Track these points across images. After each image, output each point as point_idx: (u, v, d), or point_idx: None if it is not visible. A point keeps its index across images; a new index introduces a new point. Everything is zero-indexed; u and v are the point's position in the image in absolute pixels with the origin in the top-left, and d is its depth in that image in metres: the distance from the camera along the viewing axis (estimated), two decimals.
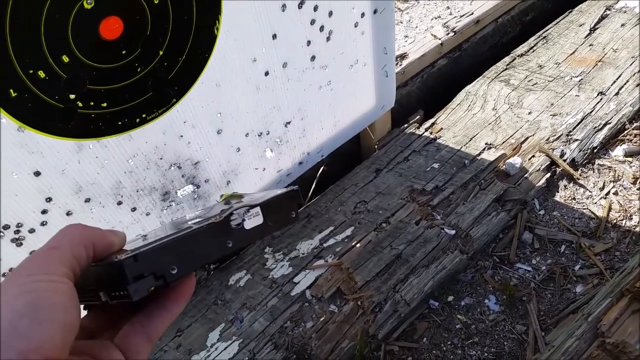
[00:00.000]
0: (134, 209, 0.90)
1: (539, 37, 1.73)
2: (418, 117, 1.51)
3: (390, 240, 1.18)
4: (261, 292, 1.13)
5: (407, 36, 1.72)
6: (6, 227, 0.73)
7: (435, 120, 1.48)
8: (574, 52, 1.67)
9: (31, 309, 0.29)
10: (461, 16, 1.64)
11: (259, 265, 1.19)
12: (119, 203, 0.87)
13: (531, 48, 1.70)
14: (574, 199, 1.33)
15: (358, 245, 1.19)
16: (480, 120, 1.47)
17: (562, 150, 1.38)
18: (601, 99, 1.50)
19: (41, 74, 0.64)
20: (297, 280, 1.14)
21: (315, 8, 0.94)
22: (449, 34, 1.59)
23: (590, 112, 1.46)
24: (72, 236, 0.35)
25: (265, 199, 0.43)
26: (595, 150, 1.40)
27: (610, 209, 1.28)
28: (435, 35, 1.59)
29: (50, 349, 0.29)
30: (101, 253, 0.36)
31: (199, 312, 1.12)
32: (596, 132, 1.41)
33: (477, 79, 1.60)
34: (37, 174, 0.72)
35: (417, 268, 1.13)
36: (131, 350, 0.37)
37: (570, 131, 1.42)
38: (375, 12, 1.08)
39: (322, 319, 1.08)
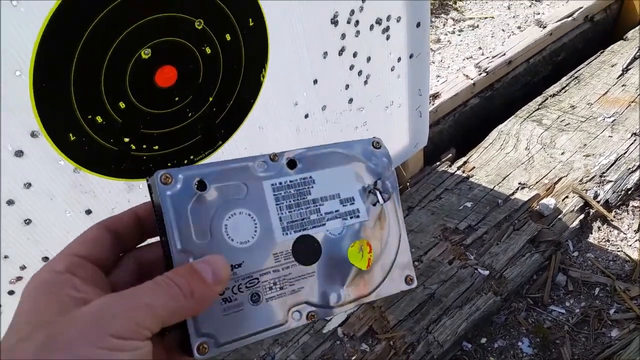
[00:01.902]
0: None
1: (570, 77, 1.74)
2: (450, 155, 1.52)
3: (423, 280, 1.18)
4: (293, 329, 1.14)
5: (439, 76, 1.75)
6: (45, 259, 0.76)
7: (468, 159, 1.49)
8: (606, 93, 1.67)
9: None
10: (493, 57, 1.66)
11: None
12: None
13: (563, 88, 1.71)
14: (608, 240, 1.32)
15: None
16: (513, 160, 1.47)
17: (596, 192, 1.37)
18: (635, 140, 1.49)
19: (99, 119, 0.68)
20: (328, 318, 1.15)
21: (355, 54, 0.97)
22: (481, 74, 1.61)
23: (624, 153, 1.46)
24: (173, 301, 0.32)
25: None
26: (629, 192, 1.39)
27: None
28: (467, 76, 1.61)
29: None
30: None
31: None
32: (630, 173, 1.41)
33: (509, 119, 1.61)
34: (89, 212, 0.76)
35: (450, 309, 1.13)
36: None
37: (604, 172, 1.42)
38: (411, 56, 1.11)
39: (353, 358, 1.08)
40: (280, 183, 0.41)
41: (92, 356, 0.27)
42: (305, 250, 0.40)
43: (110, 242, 0.36)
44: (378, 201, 0.43)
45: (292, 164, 0.42)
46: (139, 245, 0.39)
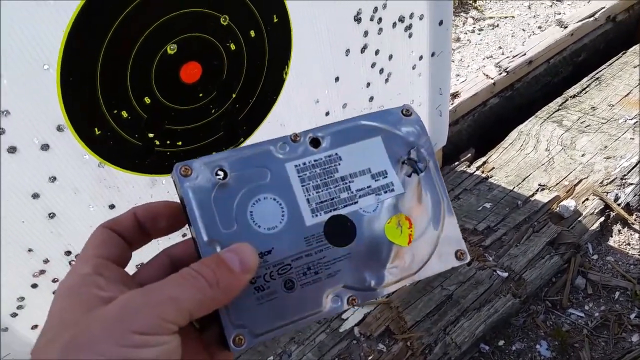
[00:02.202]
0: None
1: (591, 78, 1.72)
2: (469, 155, 1.51)
3: (441, 280, 1.18)
4: (309, 327, 1.14)
5: (458, 75, 1.74)
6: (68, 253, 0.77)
7: (487, 159, 1.48)
8: (628, 94, 1.65)
9: None
10: (514, 56, 1.64)
11: None
12: (184, 235, 0.90)
13: (584, 89, 1.69)
14: (629, 244, 1.31)
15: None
16: (533, 161, 1.46)
17: (617, 194, 1.35)
18: None
19: (124, 114, 0.68)
20: (345, 317, 1.15)
21: (377, 52, 0.96)
22: (501, 73, 1.60)
23: None
24: (199, 292, 0.31)
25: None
26: None
27: None
28: (487, 75, 1.59)
29: None
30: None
31: None
32: None
33: (530, 119, 1.59)
34: (112, 206, 0.76)
35: (468, 310, 1.12)
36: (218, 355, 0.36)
37: (625, 175, 1.40)
38: (433, 55, 1.10)
39: (370, 358, 1.08)
40: (304, 163, 0.39)
41: (117, 355, 0.27)
42: (339, 231, 0.38)
43: (121, 242, 0.36)
44: (414, 171, 0.40)
45: (315, 142, 0.40)
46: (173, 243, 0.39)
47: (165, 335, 0.29)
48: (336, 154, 0.40)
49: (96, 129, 0.67)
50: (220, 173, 0.37)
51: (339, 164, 0.40)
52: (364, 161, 0.40)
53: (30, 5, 0.56)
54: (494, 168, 1.45)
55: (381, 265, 0.38)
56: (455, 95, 1.53)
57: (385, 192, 0.40)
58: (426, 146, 0.42)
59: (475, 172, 1.45)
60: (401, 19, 0.96)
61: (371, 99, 1.05)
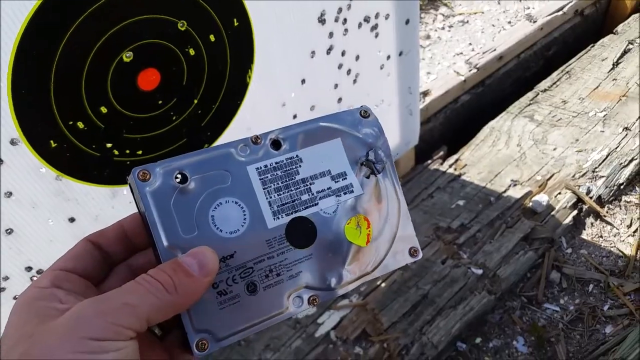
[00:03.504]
0: None
1: (562, 72, 1.73)
2: (441, 153, 1.51)
3: (416, 280, 1.17)
4: (285, 333, 1.13)
5: (429, 73, 1.74)
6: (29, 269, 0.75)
7: (460, 157, 1.48)
8: (597, 87, 1.67)
9: None
10: (483, 52, 1.65)
11: None
12: None
13: (554, 83, 1.70)
14: (601, 236, 1.32)
15: (383, 284, 1.18)
16: (505, 157, 1.47)
17: (588, 187, 1.37)
18: (626, 135, 1.49)
19: (80, 124, 0.66)
20: (321, 321, 1.14)
21: (343, 53, 0.95)
22: (471, 70, 1.60)
23: (616, 148, 1.45)
24: (155, 298, 0.31)
25: None
26: (621, 187, 1.38)
27: (639, 247, 1.26)
28: (457, 72, 1.60)
29: None
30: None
31: (221, 353, 1.12)
32: (622, 168, 1.40)
33: (501, 115, 1.60)
34: (72, 220, 0.74)
35: (444, 309, 1.12)
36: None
37: (596, 167, 1.41)
38: (400, 54, 1.09)
39: None
40: (266, 166, 0.39)
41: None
42: (300, 233, 0.39)
43: (97, 255, 0.36)
44: (372, 173, 0.41)
45: (276, 144, 0.40)
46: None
47: (121, 341, 0.29)
48: (297, 155, 0.40)
49: (52, 142, 0.65)
50: (180, 177, 0.37)
51: (300, 166, 0.40)
52: (324, 163, 0.41)
53: None
54: (466, 165, 1.46)
55: (341, 265, 0.39)
56: (425, 94, 1.53)
57: (345, 193, 0.41)
58: (384, 147, 0.42)
59: (448, 169, 1.45)
60: (366, 19, 0.96)
61: (339, 100, 1.04)
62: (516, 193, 1.35)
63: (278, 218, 0.38)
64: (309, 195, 0.40)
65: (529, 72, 1.82)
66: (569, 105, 1.61)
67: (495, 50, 1.67)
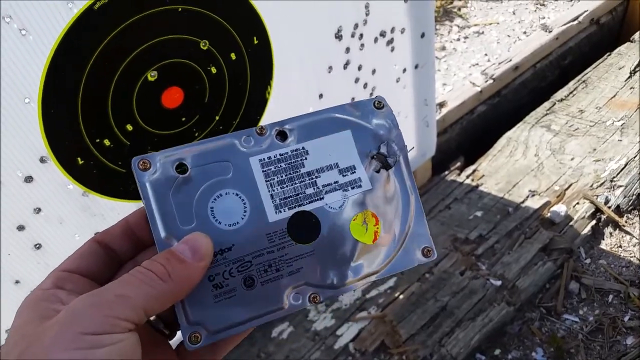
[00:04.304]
0: None
1: (578, 82, 1.73)
2: (458, 163, 1.51)
3: (435, 292, 1.18)
4: (304, 345, 1.14)
5: (445, 84, 1.74)
6: None
7: (477, 167, 1.49)
8: (614, 96, 1.66)
9: None
10: (499, 63, 1.65)
11: (301, 317, 1.20)
12: None
13: (571, 92, 1.70)
14: (620, 246, 1.31)
15: (401, 296, 1.19)
16: (523, 167, 1.46)
17: (607, 197, 1.36)
18: None
19: (106, 142, 0.68)
20: (340, 333, 1.14)
21: (360, 67, 0.97)
22: (487, 80, 1.61)
23: (634, 157, 1.45)
24: (150, 287, 0.31)
25: None
26: None
27: None
28: (474, 83, 1.60)
29: None
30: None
31: None
32: None
33: (518, 125, 1.60)
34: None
35: (463, 321, 1.12)
36: None
37: (614, 177, 1.40)
38: (416, 67, 1.11)
39: None
40: (270, 157, 0.38)
41: (69, 357, 0.27)
42: (302, 228, 0.37)
43: (103, 254, 0.36)
44: (384, 167, 0.39)
45: (282, 135, 0.39)
46: None
47: (119, 334, 0.28)
48: (303, 147, 0.39)
49: (79, 159, 0.67)
50: (180, 167, 0.36)
51: (306, 159, 0.38)
52: (332, 156, 0.39)
53: (10, 40, 0.56)
54: (484, 176, 1.46)
55: (345, 262, 0.37)
56: (442, 105, 1.54)
57: (353, 187, 0.39)
58: (397, 140, 0.40)
59: (465, 180, 1.45)
60: (382, 34, 0.97)
61: None
62: (534, 203, 1.35)
63: (280, 212, 0.37)
64: (314, 189, 0.38)
65: (545, 82, 1.82)
66: (586, 115, 1.61)
67: (511, 60, 1.68)
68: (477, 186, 1.43)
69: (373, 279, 0.38)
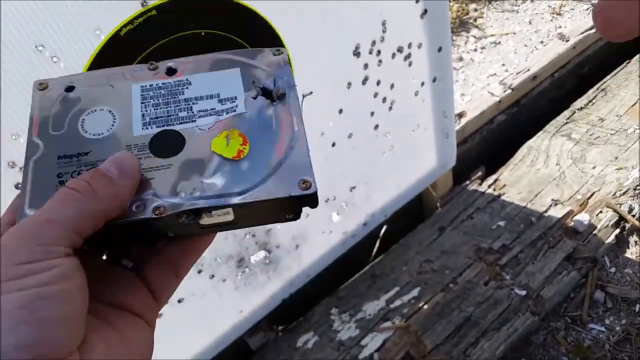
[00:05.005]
0: (212, 276, 0.95)
1: (597, 90, 1.72)
2: (479, 173, 1.52)
3: (459, 302, 1.18)
4: (329, 355, 1.15)
5: (463, 94, 1.75)
6: None
7: (498, 177, 1.49)
8: (635, 104, 1.65)
9: (27, 313, 0.26)
10: (517, 73, 1.66)
11: (326, 327, 1.21)
12: (199, 271, 0.92)
13: (590, 101, 1.69)
14: None
15: (425, 306, 1.19)
16: (545, 176, 1.46)
17: (630, 205, 1.35)
18: None
19: None
20: (364, 343, 1.15)
21: (378, 82, 0.99)
22: (506, 90, 1.62)
23: None
24: (75, 207, 0.30)
25: (255, 197, 0.34)
26: None
27: None
28: (492, 93, 1.61)
29: (59, 350, 0.26)
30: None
31: None
32: None
33: (538, 134, 1.60)
34: None
35: (488, 331, 1.12)
36: (160, 286, 0.35)
37: (638, 185, 1.39)
38: (434, 80, 1.12)
39: None
40: (151, 85, 0.39)
41: (5, 289, 0.26)
42: (165, 144, 0.37)
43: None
44: (266, 97, 0.39)
45: (171, 71, 0.40)
46: None
47: (53, 259, 0.27)
48: (187, 79, 0.40)
49: None
50: (69, 88, 0.39)
51: (187, 88, 0.40)
52: (214, 88, 0.39)
53: (42, 67, 0.60)
54: (505, 185, 1.46)
55: (199, 176, 0.35)
56: (461, 115, 1.55)
57: (227, 113, 0.38)
58: (286, 77, 0.40)
59: (487, 190, 1.45)
60: (400, 50, 0.99)
61: (376, 127, 1.07)
62: (557, 212, 1.35)
63: (147, 128, 0.37)
64: (187, 112, 0.38)
65: (564, 90, 1.82)
66: (606, 123, 1.60)
67: (529, 70, 1.68)
68: (499, 196, 1.43)
69: (235, 200, 0.34)
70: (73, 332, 0.27)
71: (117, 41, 0.63)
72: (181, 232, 0.36)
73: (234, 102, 0.39)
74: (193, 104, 0.39)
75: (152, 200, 0.34)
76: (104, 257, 0.37)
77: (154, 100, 0.39)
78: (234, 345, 1.08)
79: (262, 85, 0.40)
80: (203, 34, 0.69)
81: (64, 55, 0.61)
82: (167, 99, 0.39)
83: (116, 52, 0.63)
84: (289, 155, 0.37)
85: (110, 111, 0.38)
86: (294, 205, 0.36)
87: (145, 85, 0.40)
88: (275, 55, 0.42)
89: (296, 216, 0.37)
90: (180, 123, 0.38)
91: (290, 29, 0.78)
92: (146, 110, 0.38)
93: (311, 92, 0.43)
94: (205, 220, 0.35)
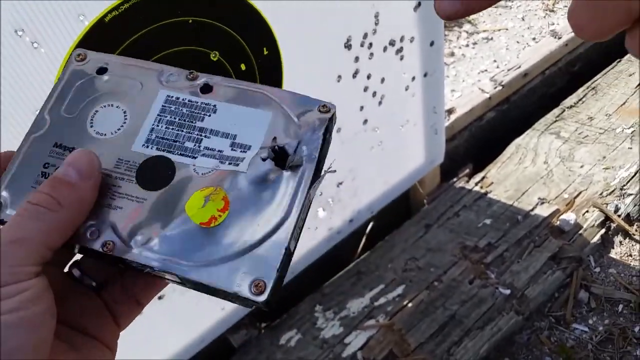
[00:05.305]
0: None
1: (587, 88, 1.72)
2: (467, 170, 1.51)
3: (444, 300, 1.17)
4: (312, 353, 1.13)
5: (454, 90, 1.74)
6: None
7: (486, 174, 1.48)
8: (624, 103, 1.65)
9: None
10: (508, 69, 1.65)
11: (310, 324, 1.19)
12: None
13: (580, 99, 1.69)
14: (630, 255, 1.30)
15: (410, 304, 1.18)
16: (532, 174, 1.46)
17: (617, 205, 1.35)
18: None
19: None
20: (348, 341, 1.14)
21: (369, 76, 0.97)
22: (496, 87, 1.60)
23: None
24: (42, 222, 0.29)
25: (200, 280, 0.31)
26: None
27: None
28: (482, 89, 1.60)
29: None
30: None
31: None
32: None
33: (527, 132, 1.59)
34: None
35: (471, 330, 1.12)
36: (122, 311, 0.34)
37: (624, 185, 1.39)
38: (425, 75, 1.10)
39: None
40: (178, 97, 0.36)
41: None
42: (153, 173, 0.34)
43: None
44: (276, 163, 0.33)
45: (206, 88, 0.37)
46: None
47: (24, 282, 0.27)
48: (215, 105, 0.36)
49: None
50: (101, 70, 0.38)
51: (209, 115, 0.36)
52: (235, 127, 0.35)
53: (22, 53, 0.57)
54: (492, 183, 1.45)
55: (162, 228, 0.32)
56: (450, 111, 1.53)
57: (230, 163, 0.34)
58: (312, 146, 0.34)
59: (474, 187, 1.44)
60: (392, 43, 0.97)
61: (365, 121, 1.05)
62: (543, 211, 1.35)
63: (147, 147, 0.35)
64: (194, 145, 0.35)
65: (554, 88, 1.81)
66: (596, 122, 1.60)
67: (520, 67, 1.67)
68: (486, 193, 1.42)
69: (177, 271, 0.31)
70: (40, 352, 0.26)
71: (102, 27, 0.61)
72: (134, 269, 0.33)
73: (245, 152, 0.34)
74: (205, 137, 0.35)
75: (107, 233, 0.32)
76: (65, 270, 0.35)
77: (170, 117, 0.36)
78: (216, 343, 1.06)
79: (280, 144, 0.34)
80: (191, 21, 0.67)
81: (45, 41, 0.58)
82: (183, 121, 0.35)
83: (100, 38, 0.61)
84: (264, 241, 0.31)
85: (125, 112, 0.36)
86: (243, 302, 0.31)
87: (172, 97, 0.36)
88: (320, 111, 0.37)
89: (256, 308, 0.32)
90: (180, 154, 0.34)
91: (281, 18, 0.75)
92: (157, 126, 0.35)
93: (334, 171, 0.37)
94: (155, 272, 0.32)
